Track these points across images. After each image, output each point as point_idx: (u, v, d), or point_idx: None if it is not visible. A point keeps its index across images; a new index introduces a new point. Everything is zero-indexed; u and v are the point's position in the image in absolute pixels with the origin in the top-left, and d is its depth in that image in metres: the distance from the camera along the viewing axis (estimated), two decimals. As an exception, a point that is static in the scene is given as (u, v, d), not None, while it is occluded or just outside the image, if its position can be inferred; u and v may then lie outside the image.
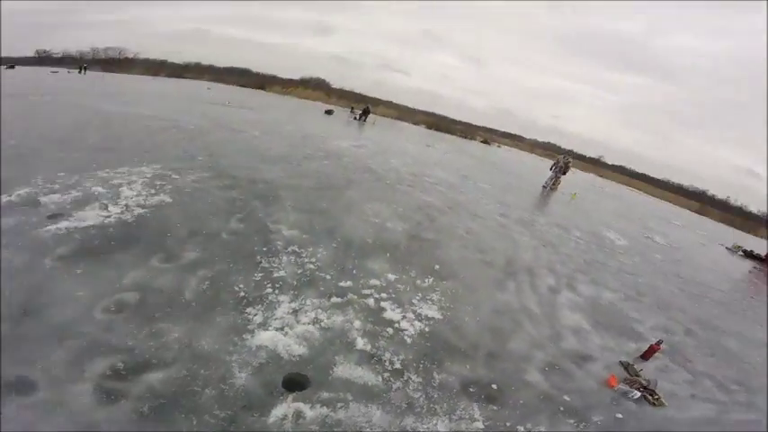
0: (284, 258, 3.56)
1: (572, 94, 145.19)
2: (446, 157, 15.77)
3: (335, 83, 67.27)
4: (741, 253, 14.82)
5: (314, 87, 52.31)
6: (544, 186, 13.84)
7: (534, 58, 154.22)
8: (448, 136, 36.82)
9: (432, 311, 3.31)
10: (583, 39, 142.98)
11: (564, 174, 13.89)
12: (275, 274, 3.28)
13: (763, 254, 14.71)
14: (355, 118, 25.45)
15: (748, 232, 32.66)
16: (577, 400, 2.71)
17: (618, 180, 54.26)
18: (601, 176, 51.15)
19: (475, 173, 12.63)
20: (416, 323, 3.09)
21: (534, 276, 4.73)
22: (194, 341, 2.37)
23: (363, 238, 4.40)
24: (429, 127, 42.47)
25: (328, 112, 25.64)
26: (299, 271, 3.41)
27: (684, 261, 8.51)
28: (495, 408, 2.44)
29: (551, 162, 15.69)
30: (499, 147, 48.34)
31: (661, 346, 3.52)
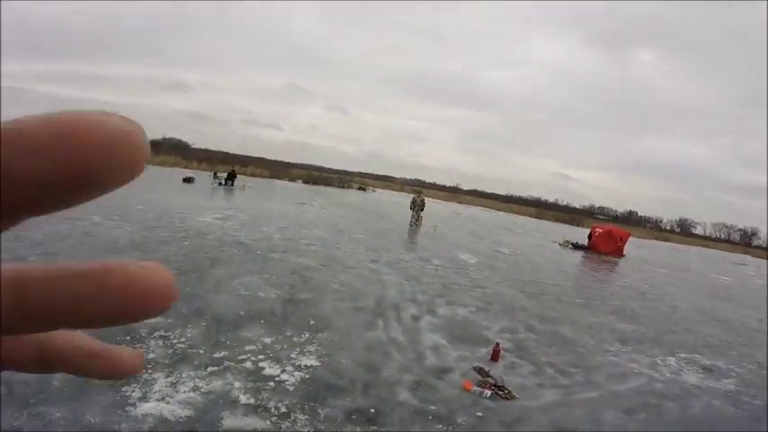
0: (151, 343, 3.47)
1: (422, 131, 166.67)
2: (322, 213, 16.17)
3: (197, 143, 61.75)
4: (570, 246, 18.59)
5: (169, 151, 46.59)
6: (411, 225, 15.27)
7: (387, 102, 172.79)
8: (326, 189, 37.69)
9: (310, 361, 3.54)
10: (422, 81, 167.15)
11: (422, 210, 15.59)
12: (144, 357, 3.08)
13: (585, 243, 18.77)
14: (220, 183, 23.67)
15: (577, 225, 41.03)
16: (443, 407, 3.12)
17: (474, 203, 63.01)
18: (460, 202, 58.65)
19: (350, 225, 13.24)
20: (296, 373, 3.30)
21: (400, 310, 5.23)
22: (80, 417, 2.44)
23: (235, 312, 4.38)
24: (306, 181, 42.46)
25: (188, 180, 22.53)
26: (170, 351, 3.40)
27: (525, 265, 10.31)
28: (375, 428, 2.76)
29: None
30: (374, 191, 51.65)
31: (500, 347, 4.22)
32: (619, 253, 18.06)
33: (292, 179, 42.50)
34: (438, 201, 52.02)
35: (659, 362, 4.79)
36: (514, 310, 5.95)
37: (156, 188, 18.47)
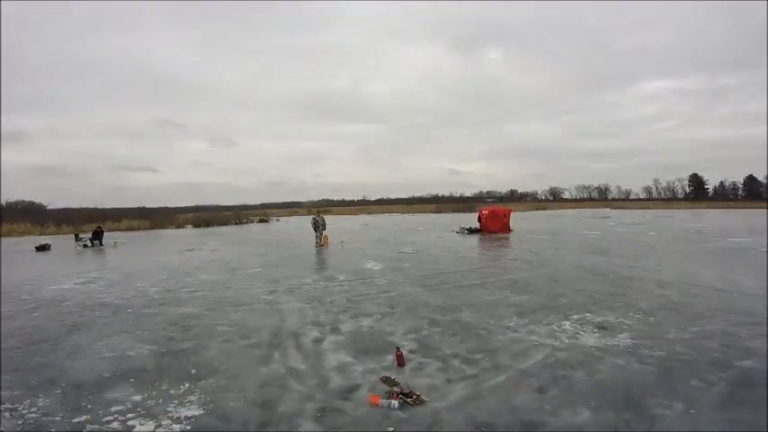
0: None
1: (321, 151, 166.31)
2: (214, 255, 14.76)
3: (53, 202, 52.17)
4: (466, 232, 20.10)
5: (16, 218, 37.49)
6: (316, 246, 14.93)
7: (280, 127, 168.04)
8: (222, 228, 34.84)
9: (191, 411, 3.14)
10: (312, 101, 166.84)
11: (324, 228, 15.39)
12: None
13: (477, 226, 20.48)
14: (85, 245, 20.34)
15: (471, 212, 44.74)
16: (351, 429, 2.88)
17: (382, 211, 64.89)
18: (369, 213, 59.79)
19: (246, 261, 12.31)
20: (174, 426, 2.93)
21: (300, 337, 4.93)
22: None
23: (97, 375, 3.96)
24: (197, 225, 38.82)
25: (42, 248, 19.18)
26: (20, 422, 3.11)
27: (426, 260, 10.73)
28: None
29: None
30: (278, 220, 49.48)
31: (401, 351, 4.16)
32: (506, 229, 20.16)
33: (180, 226, 38.32)
34: (347, 216, 52.25)
35: (556, 328, 4.91)
36: (417, 308, 6.05)
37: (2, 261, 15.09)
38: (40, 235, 30.68)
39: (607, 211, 53.27)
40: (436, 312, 5.77)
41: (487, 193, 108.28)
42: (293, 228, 30.08)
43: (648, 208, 60.12)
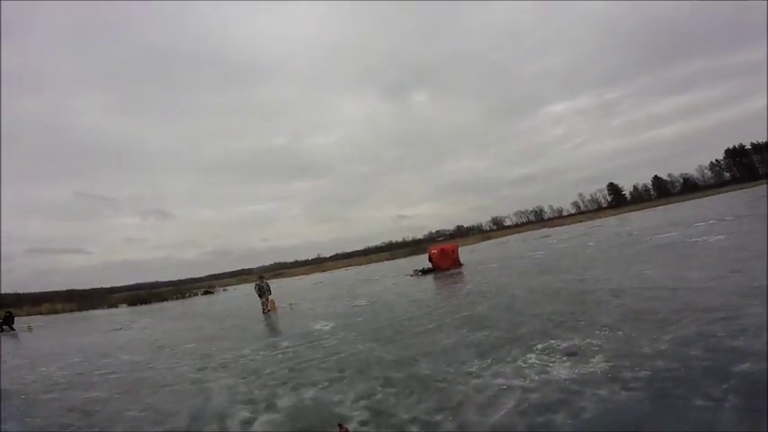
0: None
1: (267, 213, 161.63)
2: (142, 334, 12.99)
3: None
4: (420, 273, 19.85)
5: None
6: (264, 312, 13.73)
7: (218, 191, 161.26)
8: (161, 305, 31.66)
9: None
10: (251, 162, 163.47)
11: (269, 292, 14.31)
12: None
13: (430, 266, 20.35)
14: None
15: (423, 253, 44.87)
16: None
17: (338, 266, 63.33)
18: (323, 271, 58.01)
19: (179, 338, 10.84)
20: None
21: (226, 419, 4.14)
22: None
23: None
24: (132, 303, 35.41)
25: None
26: None
27: (380, 310, 10.05)
28: None
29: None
30: (225, 290, 46.30)
31: (344, 427, 3.42)
32: (457, 264, 20.17)
33: (113, 305, 34.79)
34: (302, 276, 50.18)
35: (522, 364, 4.42)
36: (370, 367, 5.31)
37: None
38: None
39: (546, 230, 56.37)
40: (390, 369, 5.06)
41: (437, 232, 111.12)
42: (240, 296, 27.89)
43: (581, 221, 64.66)
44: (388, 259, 55.40)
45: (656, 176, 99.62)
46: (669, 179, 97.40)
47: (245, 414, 4.19)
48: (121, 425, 4.37)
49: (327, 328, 8.68)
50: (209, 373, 6.20)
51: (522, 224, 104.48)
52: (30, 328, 18.72)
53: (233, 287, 49.94)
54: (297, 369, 5.74)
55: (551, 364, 4.29)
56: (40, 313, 31.07)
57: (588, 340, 4.87)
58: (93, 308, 33.90)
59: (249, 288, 40.30)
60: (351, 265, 59.17)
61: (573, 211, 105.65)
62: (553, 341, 5.06)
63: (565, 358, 4.40)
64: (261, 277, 15.11)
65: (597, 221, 52.13)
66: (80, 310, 33.08)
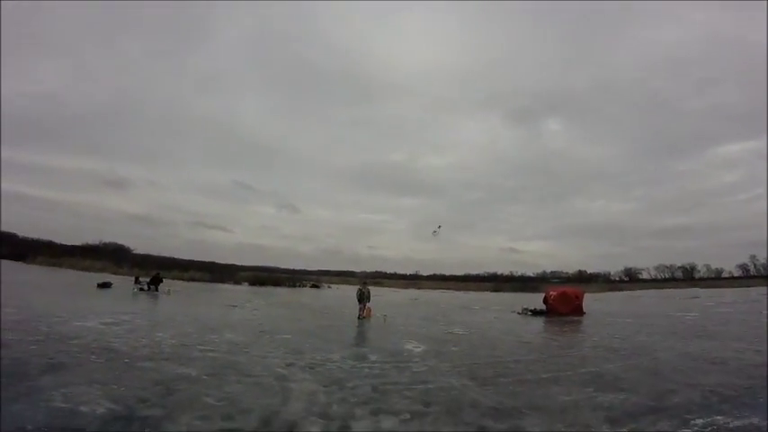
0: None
1: (376, 224, 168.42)
2: (252, 314, 14.17)
3: (139, 248, 57.03)
4: (529, 313, 17.64)
5: (100, 257, 42.19)
6: (359, 317, 13.76)
7: (338, 197, 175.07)
8: (274, 289, 35.17)
9: None
10: (369, 174, 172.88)
11: (369, 299, 14.27)
12: None
13: (543, 308, 17.98)
14: (141, 289, 21.91)
15: (533, 292, 40.86)
16: None
17: (434, 287, 62.00)
18: (419, 288, 57.33)
19: (280, 325, 11.41)
20: None
21: (294, 429, 3.76)
22: None
23: (20, 427, 3.37)
24: (253, 283, 40.04)
25: (104, 285, 21.19)
26: None
27: (480, 344, 8.91)
28: None
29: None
30: (330, 287, 49.19)
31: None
32: (579, 311, 17.28)
33: (237, 282, 39.80)
34: (397, 289, 50.47)
35: None
36: (462, 409, 4.40)
37: (63, 294, 16.50)
38: (114, 274, 33.50)
39: (695, 290, 45.80)
40: (487, 417, 4.09)
41: (552, 273, 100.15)
42: (342, 296, 29.00)
43: (749, 286, 50.77)
44: (491, 291, 51.79)
45: None
46: None
47: (315, 430, 3.75)
48: (193, 412, 4.14)
49: (418, 350, 7.94)
50: (296, 372, 6.00)
51: (664, 280, 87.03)
52: (169, 292, 21.65)
53: (336, 286, 52.63)
54: (380, 390, 5.15)
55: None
56: (183, 279, 36.73)
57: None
58: (223, 281, 39.14)
59: (351, 290, 41.99)
60: (448, 289, 57.13)
61: (737, 275, 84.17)
62: (719, 417, 3.68)
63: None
64: (364, 283, 15.21)
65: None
66: (212, 281, 38.55)
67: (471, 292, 46.84)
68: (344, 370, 6.22)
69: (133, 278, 24.44)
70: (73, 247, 50.42)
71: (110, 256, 44.96)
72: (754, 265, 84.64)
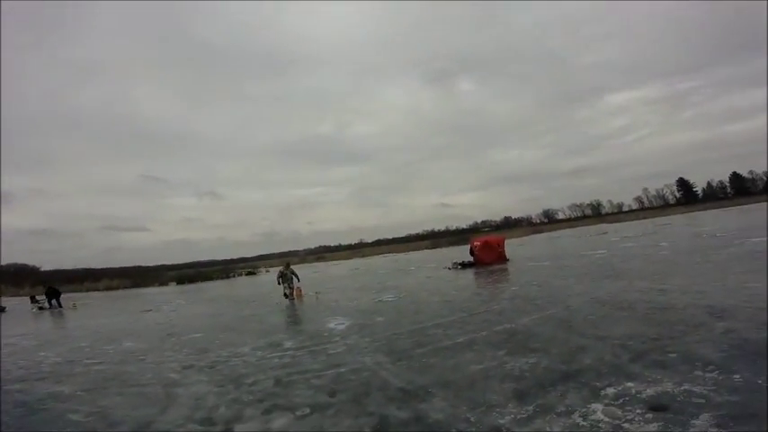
0: None
1: (312, 198, 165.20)
2: (166, 316, 12.82)
3: (46, 264, 51.69)
4: (459, 267, 18.20)
5: (3, 279, 37.53)
6: (287, 300, 13.08)
7: (267, 176, 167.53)
8: (204, 284, 32.87)
9: None
10: (298, 149, 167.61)
11: (298, 280, 13.68)
12: None
13: (471, 260, 18.64)
14: (41, 308, 19.94)
15: (466, 244, 42.90)
16: None
17: (378, 252, 62.71)
18: (363, 257, 57.58)
19: (193, 324, 10.39)
20: None
21: None
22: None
23: None
24: (180, 282, 37.22)
25: None
26: None
27: (406, 310, 8.76)
28: None
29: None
30: (268, 271, 47.30)
31: None
32: (502, 259, 18.20)
33: (163, 283, 36.74)
34: (340, 261, 50.10)
35: (581, 420, 2.93)
36: (369, 394, 4.01)
37: None
38: (13, 297, 29.45)
39: (604, 226, 51.54)
40: (393, 403, 3.69)
41: (482, 222, 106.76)
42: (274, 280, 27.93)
43: (645, 218, 58.59)
44: (429, 248, 53.63)
45: (734, 173, 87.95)
46: (750, 176, 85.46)
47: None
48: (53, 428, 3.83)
49: (341, 327, 7.54)
50: (191, 375, 5.36)
51: (577, 218, 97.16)
52: (74, 306, 19.40)
53: (276, 268, 50.95)
54: (284, 382, 4.63)
55: (628, 424, 2.77)
56: (97, 289, 33.12)
57: (686, 386, 3.27)
58: (146, 285, 35.81)
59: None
60: (391, 252, 58.16)
61: (635, 207, 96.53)
62: (630, 383, 3.47)
63: (650, 415, 2.87)
64: (287, 264, 14.36)
65: (662, 219, 46.72)
66: (134, 287, 34.99)
67: (412, 253, 48.05)
68: (250, 364, 5.63)
69: (29, 298, 21.77)
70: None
71: (11, 278, 39.31)
72: (647, 197, 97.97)
